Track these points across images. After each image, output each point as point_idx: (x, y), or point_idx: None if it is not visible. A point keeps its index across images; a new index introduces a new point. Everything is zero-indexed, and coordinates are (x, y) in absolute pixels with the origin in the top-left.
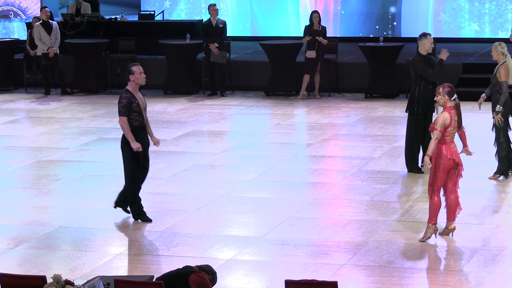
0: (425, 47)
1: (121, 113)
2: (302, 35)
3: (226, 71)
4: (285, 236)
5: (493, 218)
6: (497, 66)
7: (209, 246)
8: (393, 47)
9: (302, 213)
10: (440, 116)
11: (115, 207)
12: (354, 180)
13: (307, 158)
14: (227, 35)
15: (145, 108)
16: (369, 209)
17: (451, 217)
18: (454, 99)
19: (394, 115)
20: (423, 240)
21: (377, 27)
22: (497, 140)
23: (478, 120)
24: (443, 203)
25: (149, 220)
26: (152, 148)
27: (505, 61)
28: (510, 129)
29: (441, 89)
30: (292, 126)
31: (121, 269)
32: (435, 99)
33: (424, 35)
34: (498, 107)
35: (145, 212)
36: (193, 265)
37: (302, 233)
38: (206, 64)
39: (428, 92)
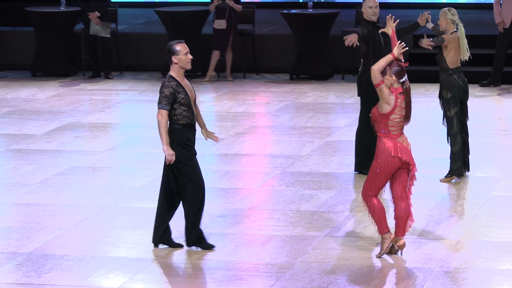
0: (366, 13)
1: (161, 105)
2: (209, 0)
3: (111, 47)
4: (188, 257)
5: (451, 232)
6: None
7: (92, 271)
8: (326, 14)
9: (210, 227)
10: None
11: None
12: (276, 185)
13: (216, 157)
14: (112, 0)
15: (195, 100)
16: (296, 221)
17: (400, 231)
18: (404, 82)
19: (327, 102)
20: (380, 255)
21: None
22: (448, 132)
23: (433, 107)
24: (387, 212)
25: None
26: (16, 146)
27: (456, 30)
28: (468, 118)
29: (387, 67)
30: None
31: None
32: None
33: None
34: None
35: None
36: None
37: (210, 253)
38: (86, 38)
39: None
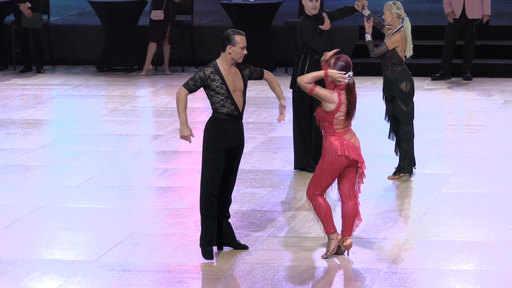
0: (306, 7)
1: (185, 83)
2: None
3: (44, 40)
4: (126, 259)
5: (400, 231)
6: (391, 32)
7: (24, 274)
8: (267, 5)
9: (148, 228)
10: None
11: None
12: None
13: (154, 155)
14: None
15: (244, 90)
16: (237, 221)
17: (347, 231)
18: (348, 78)
19: (270, 96)
20: (326, 256)
21: None
22: (401, 128)
23: (380, 101)
24: (333, 211)
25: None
26: None
27: (402, 26)
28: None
29: (332, 61)
30: (134, 112)
31: None
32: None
33: None
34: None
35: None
36: None
37: (149, 255)
38: (16, 30)
39: (316, 64)
